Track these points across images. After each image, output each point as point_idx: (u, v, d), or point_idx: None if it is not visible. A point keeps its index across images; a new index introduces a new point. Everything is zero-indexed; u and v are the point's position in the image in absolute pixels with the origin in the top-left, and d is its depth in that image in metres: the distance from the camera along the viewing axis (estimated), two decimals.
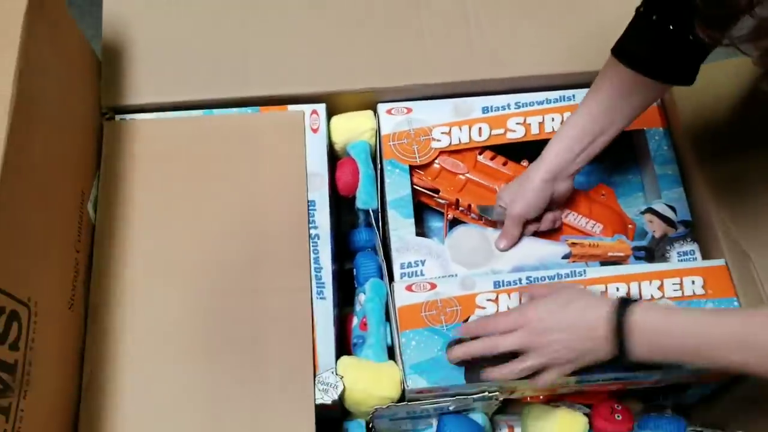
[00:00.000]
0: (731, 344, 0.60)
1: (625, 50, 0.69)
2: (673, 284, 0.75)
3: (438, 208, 0.88)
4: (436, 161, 0.86)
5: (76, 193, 0.75)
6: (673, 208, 0.82)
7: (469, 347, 0.70)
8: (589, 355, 0.66)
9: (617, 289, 0.75)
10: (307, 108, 0.85)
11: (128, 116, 0.84)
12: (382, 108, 0.86)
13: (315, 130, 0.85)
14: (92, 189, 0.79)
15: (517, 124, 0.85)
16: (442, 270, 0.78)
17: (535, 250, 0.80)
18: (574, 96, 0.86)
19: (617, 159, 0.88)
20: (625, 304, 0.64)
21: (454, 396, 0.73)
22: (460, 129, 0.85)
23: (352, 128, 0.88)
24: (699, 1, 0.54)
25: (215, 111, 0.85)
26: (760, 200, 0.77)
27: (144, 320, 0.74)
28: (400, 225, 0.81)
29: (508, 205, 0.78)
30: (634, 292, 0.75)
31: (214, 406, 0.71)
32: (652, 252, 0.80)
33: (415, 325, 0.74)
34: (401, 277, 0.78)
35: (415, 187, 0.84)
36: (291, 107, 0.85)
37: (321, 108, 0.85)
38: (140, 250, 0.77)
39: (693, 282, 0.75)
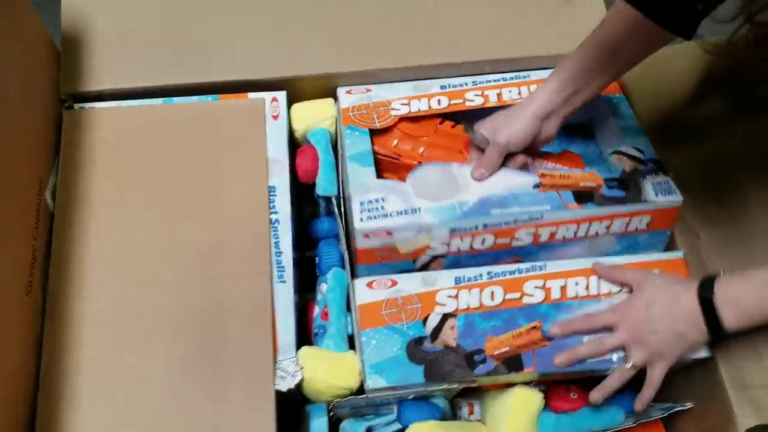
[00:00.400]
0: None
1: None
2: None
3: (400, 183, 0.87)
4: (397, 128, 0.85)
5: (33, 181, 0.75)
6: (640, 150, 0.82)
7: (575, 352, 0.73)
8: (691, 335, 0.69)
9: (576, 284, 0.76)
10: (267, 95, 0.85)
11: (88, 105, 0.83)
12: (342, 90, 0.86)
13: (275, 117, 0.84)
14: (51, 177, 0.79)
15: (475, 95, 0.85)
16: (405, 204, 0.76)
17: (504, 180, 0.78)
18: (528, 75, 0.87)
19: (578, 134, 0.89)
20: (706, 282, 0.67)
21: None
22: (419, 101, 0.85)
23: (313, 115, 0.88)
24: None
25: (175, 99, 0.84)
26: (709, 178, 0.79)
27: (103, 307, 0.74)
28: (360, 173, 0.79)
29: (492, 135, 0.77)
30: (593, 285, 0.77)
31: (174, 392, 0.72)
32: (626, 182, 0.79)
33: (375, 323, 0.74)
34: (361, 213, 0.75)
35: (376, 155, 0.83)
36: (251, 94, 0.85)
37: (281, 95, 0.85)
38: (100, 237, 0.77)
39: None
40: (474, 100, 0.85)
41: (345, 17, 0.87)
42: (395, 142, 0.85)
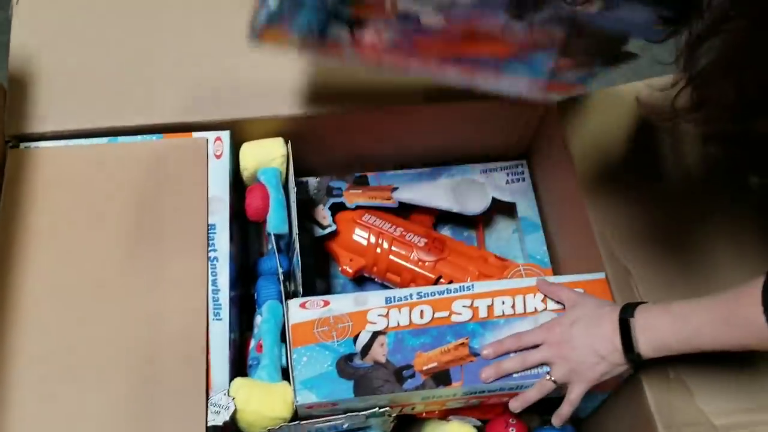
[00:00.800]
0: (716, 326, 0.63)
1: None
2: None
3: None
4: None
5: None
6: None
7: (500, 366, 0.74)
8: (611, 357, 0.69)
9: (503, 303, 0.77)
10: (210, 135, 0.87)
11: (33, 144, 0.85)
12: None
13: (218, 156, 0.86)
14: None
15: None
16: None
17: None
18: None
19: None
20: (629, 306, 0.69)
21: (346, 413, 0.73)
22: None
23: (263, 155, 0.90)
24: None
25: (120, 138, 0.86)
26: (641, 219, 0.81)
27: (38, 344, 0.74)
28: None
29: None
30: (518, 304, 0.78)
31: (105, 429, 0.71)
32: None
33: (307, 341, 0.75)
34: None
35: None
36: (196, 134, 0.87)
37: (225, 135, 0.87)
38: (38, 275, 0.77)
39: None
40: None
41: (289, 61, 0.90)
42: None
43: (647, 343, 0.67)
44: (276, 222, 0.87)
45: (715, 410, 0.71)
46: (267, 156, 0.90)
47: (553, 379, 0.73)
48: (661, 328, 0.67)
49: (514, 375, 0.74)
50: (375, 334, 0.75)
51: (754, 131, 0.54)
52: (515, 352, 0.74)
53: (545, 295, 0.78)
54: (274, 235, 0.87)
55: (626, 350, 0.68)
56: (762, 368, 0.73)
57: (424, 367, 0.74)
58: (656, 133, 0.86)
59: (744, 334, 0.62)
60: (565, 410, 0.74)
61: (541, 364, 0.73)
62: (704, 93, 0.59)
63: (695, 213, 0.81)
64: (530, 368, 0.73)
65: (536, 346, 0.74)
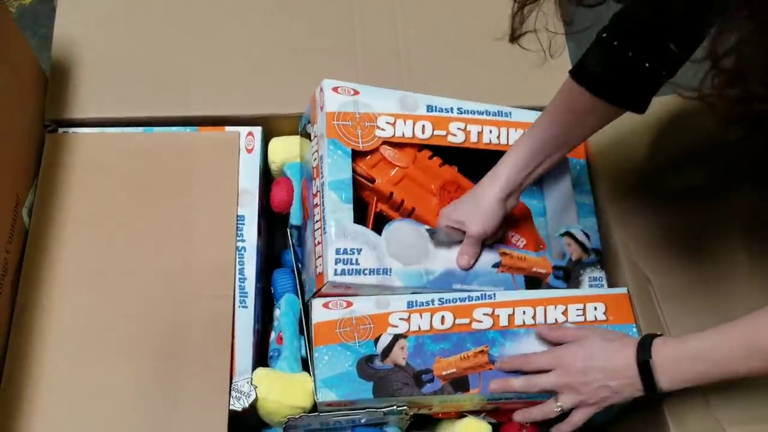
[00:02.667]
0: (739, 358, 0.63)
1: (584, 72, 0.71)
2: (577, 310, 0.79)
3: (367, 199, 0.85)
4: (378, 150, 0.83)
5: (11, 197, 0.78)
6: (587, 235, 0.86)
7: (508, 383, 0.74)
8: (624, 391, 0.69)
9: (524, 313, 0.79)
10: (243, 129, 0.89)
11: (71, 129, 0.87)
12: (328, 85, 0.82)
13: (249, 151, 0.88)
14: (29, 196, 0.82)
15: (458, 129, 0.85)
16: (378, 263, 0.77)
17: None
18: (510, 113, 0.88)
19: None
20: (645, 344, 0.68)
21: (365, 409, 0.75)
22: (405, 122, 0.84)
23: (290, 150, 0.92)
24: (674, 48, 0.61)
25: (155, 129, 0.88)
26: (662, 230, 0.82)
27: (69, 323, 0.77)
28: (339, 209, 0.78)
29: (465, 226, 0.78)
30: (539, 314, 0.79)
31: (131, 409, 0.73)
32: (569, 273, 0.84)
33: (329, 341, 0.76)
34: (336, 264, 0.76)
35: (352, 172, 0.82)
36: (228, 128, 0.89)
37: (257, 130, 0.89)
38: (72, 255, 0.80)
39: (596, 308, 0.79)
40: (456, 135, 0.85)
41: (320, 61, 0.92)
42: (374, 164, 0.84)
43: (669, 382, 0.67)
44: (299, 214, 0.89)
45: (729, 419, 0.72)
46: (294, 151, 0.92)
47: (560, 406, 0.73)
48: (682, 366, 0.66)
49: None
50: (396, 337, 0.76)
51: None
52: (522, 373, 0.75)
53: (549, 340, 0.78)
54: (296, 227, 0.89)
55: (646, 387, 0.68)
56: None
57: (443, 372, 0.75)
58: (676, 141, 0.87)
59: None
60: (564, 428, 0.75)
61: (548, 390, 0.73)
62: (730, 75, 0.57)
63: (715, 219, 0.82)
64: (536, 391, 0.74)
65: (543, 371, 0.74)
